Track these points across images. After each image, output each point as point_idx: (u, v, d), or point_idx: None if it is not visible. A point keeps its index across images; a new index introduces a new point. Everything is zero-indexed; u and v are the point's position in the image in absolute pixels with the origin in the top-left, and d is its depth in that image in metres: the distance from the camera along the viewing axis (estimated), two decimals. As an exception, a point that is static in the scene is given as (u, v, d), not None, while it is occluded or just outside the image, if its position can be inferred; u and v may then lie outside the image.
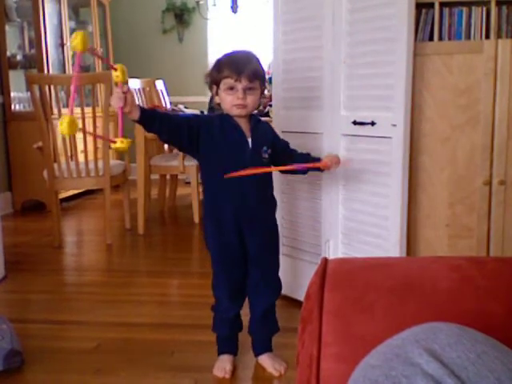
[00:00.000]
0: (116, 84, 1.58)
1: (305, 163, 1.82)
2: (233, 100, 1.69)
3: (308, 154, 1.92)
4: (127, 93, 1.56)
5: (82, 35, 1.47)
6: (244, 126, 1.76)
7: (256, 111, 1.87)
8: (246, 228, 1.79)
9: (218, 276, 1.87)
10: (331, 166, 1.83)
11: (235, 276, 1.85)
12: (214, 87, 1.74)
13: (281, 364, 1.91)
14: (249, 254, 1.83)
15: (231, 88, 1.68)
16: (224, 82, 1.68)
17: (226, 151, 1.73)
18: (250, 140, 1.75)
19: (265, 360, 1.93)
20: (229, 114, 1.74)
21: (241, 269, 1.85)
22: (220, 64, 1.70)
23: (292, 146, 2.41)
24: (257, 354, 1.95)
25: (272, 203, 1.90)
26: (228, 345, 1.94)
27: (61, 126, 1.47)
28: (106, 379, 1.86)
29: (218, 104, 1.78)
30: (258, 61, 1.74)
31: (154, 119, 1.64)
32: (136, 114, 1.59)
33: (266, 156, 1.78)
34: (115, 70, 1.58)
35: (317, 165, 1.82)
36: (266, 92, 4.05)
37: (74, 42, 1.47)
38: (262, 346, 1.95)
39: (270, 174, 1.85)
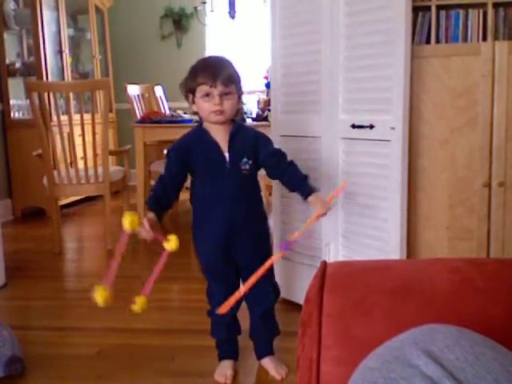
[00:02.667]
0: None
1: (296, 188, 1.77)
2: (210, 107, 1.66)
3: (303, 179, 1.78)
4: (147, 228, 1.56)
5: (131, 217, 1.49)
6: (222, 137, 1.73)
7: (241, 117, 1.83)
8: (232, 242, 1.78)
9: (211, 285, 1.88)
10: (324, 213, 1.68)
11: (227, 285, 1.81)
12: (190, 96, 1.72)
13: (282, 368, 1.91)
14: (239, 265, 1.84)
15: (207, 95, 1.66)
16: (199, 89, 1.66)
17: (207, 168, 1.74)
18: (227, 155, 1.72)
19: (267, 363, 1.93)
20: (207, 122, 1.74)
21: (233, 278, 1.84)
22: (194, 71, 1.68)
23: (291, 149, 2.38)
24: (259, 358, 1.96)
25: (260, 217, 1.87)
26: (228, 349, 1.94)
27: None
28: (108, 385, 1.86)
29: (195, 112, 1.77)
30: (232, 65, 1.72)
31: (162, 207, 1.69)
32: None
33: (247, 167, 1.73)
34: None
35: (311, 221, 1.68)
36: (265, 96, 4.07)
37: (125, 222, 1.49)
38: (264, 349, 1.95)
39: (256, 189, 1.84)
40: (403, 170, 2.01)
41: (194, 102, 1.72)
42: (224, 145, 1.73)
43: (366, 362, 0.61)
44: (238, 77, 1.72)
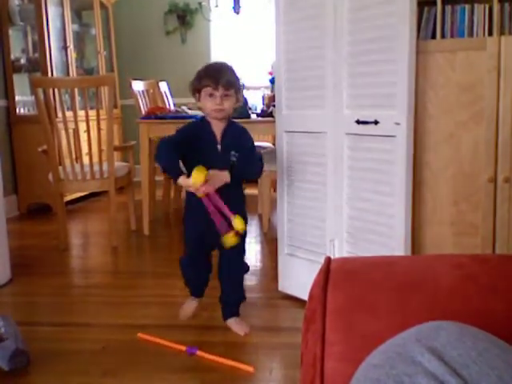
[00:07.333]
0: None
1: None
2: (212, 105, 1.98)
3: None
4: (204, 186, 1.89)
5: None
6: (218, 130, 2.05)
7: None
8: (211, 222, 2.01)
9: (191, 252, 2.22)
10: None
11: (201, 254, 2.21)
12: (197, 95, 2.04)
13: (246, 326, 2.18)
14: (214, 243, 2.10)
15: (211, 95, 1.98)
16: (204, 90, 2.00)
17: (202, 153, 2.02)
18: (219, 146, 2.04)
19: (232, 323, 2.20)
20: (208, 117, 2.05)
21: (207, 251, 2.20)
22: (200, 75, 2.02)
23: (296, 145, 2.42)
24: (225, 319, 2.23)
25: (238, 200, 2.10)
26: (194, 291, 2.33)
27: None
28: (113, 381, 1.86)
29: (200, 108, 2.12)
30: (233, 71, 2.04)
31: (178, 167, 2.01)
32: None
33: (234, 159, 2.03)
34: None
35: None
36: (269, 92, 4.06)
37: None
38: (229, 311, 2.22)
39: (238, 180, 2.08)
40: (408, 166, 2.01)
41: (199, 100, 2.04)
42: (219, 137, 2.05)
43: (368, 359, 0.61)
44: (237, 82, 2.04)
